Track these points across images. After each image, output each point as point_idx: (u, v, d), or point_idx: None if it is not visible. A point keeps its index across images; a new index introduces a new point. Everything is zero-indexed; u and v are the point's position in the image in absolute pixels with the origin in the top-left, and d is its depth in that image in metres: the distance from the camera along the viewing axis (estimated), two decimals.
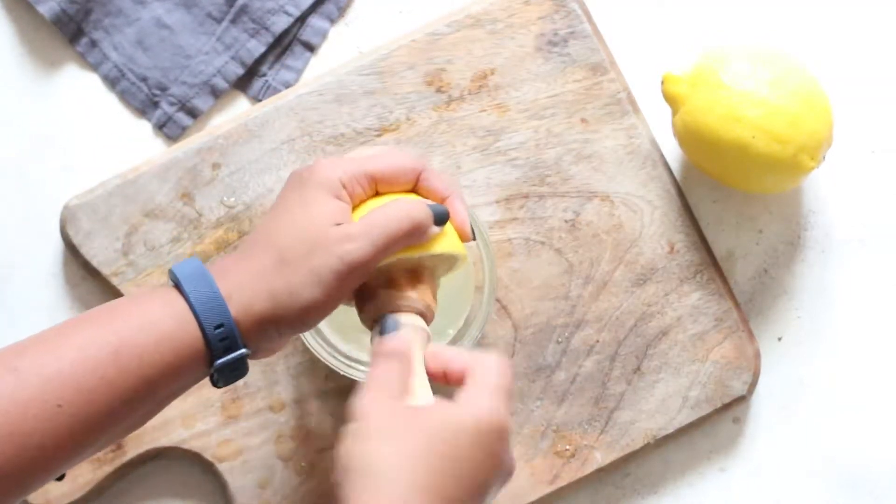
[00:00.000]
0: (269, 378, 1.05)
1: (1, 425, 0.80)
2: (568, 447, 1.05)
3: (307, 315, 0.87)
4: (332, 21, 1.10)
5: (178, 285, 0.87)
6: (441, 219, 0.91)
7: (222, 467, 1.04)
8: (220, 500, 1.06)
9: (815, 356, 1.09)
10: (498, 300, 1.06)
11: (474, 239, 0.95)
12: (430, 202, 0.92)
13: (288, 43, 1.10)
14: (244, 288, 0.87)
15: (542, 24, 1.08)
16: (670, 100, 1.05)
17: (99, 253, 1.05)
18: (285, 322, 0.87)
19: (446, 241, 0.92)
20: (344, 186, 0.90)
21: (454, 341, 1.01)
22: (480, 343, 1.05)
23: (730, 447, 1.09)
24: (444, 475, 0.81)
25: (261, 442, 1.05)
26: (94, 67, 1.09)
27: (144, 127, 1.09)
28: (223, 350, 0.86)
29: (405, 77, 1.07)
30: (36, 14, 1.08)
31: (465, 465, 0.82)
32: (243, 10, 1.09)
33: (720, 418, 1.08)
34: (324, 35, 1.10)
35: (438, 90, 1.07)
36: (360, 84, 1.07)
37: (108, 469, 1.04)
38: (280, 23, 1.09)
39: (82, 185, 1.06)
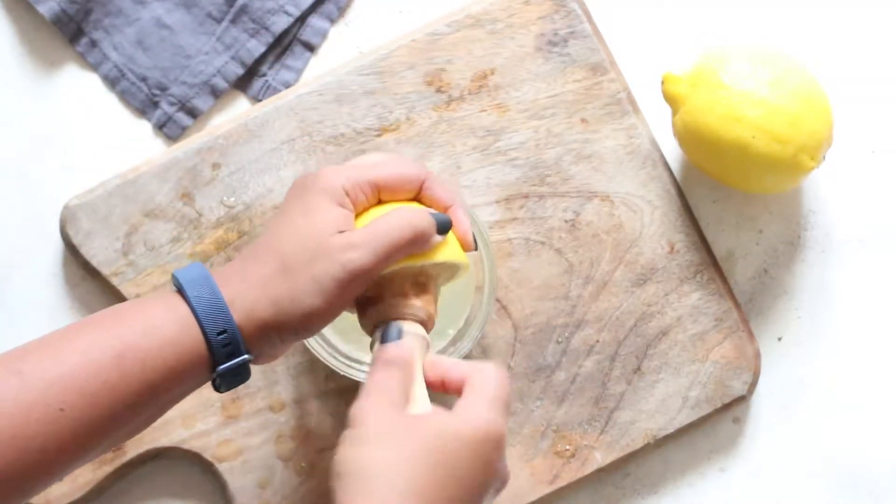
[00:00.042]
0: (269, 378, 1.05)
1: (4, 428, 0.80)
2: (568, 447, 1.05)
3: (309, 322, 0.87)
4: (332, 21, 1.10)
5: (180, 290, 0.87)
6: (444, 228, 0.91)
7: (222, 467, 1.04)
8: (220, 500, 1.06)
9: (815, 356, 1.09)
10: (498, 300, 1.06)
11: (476, 249, 0.95)
12: (432, 211, 0.92)
13: (288, 43, 1.10)
14: (246, 294, 0.87)
15: (542, 24, 1.08)
16: (670, 100, 1.05)
17: (99, 253, 1.05)
18: (287, 328, 0.87)
19: (448, 250, 0.92)
20: (347, 194, 0.90)
21: (454, 341, 1.01)
22: (480, 343, 1.05)
23: (730, 447, 1.09)
24: (439, 482, 0.81)
25: (261, 442, 1.05)
26: (94, 67, 1.09)
27: (144, 127, 1.09)
28: (226, 356, 0.86)
29: (405, 77, 1.07)
30: (36, 14, 1.08)
31: (461, 474, 0.82)
32: (243, 10, 1.09)
33: (720, 418, 1.08)
34: (324, 35, 1.10)
35: (438, 90, 1.07)
36: (360, 84, 1.07)
37: (108, 469, 1.04)
38: (280, 23, 1.09)
39: (82, 185, 1.06)
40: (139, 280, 1.05)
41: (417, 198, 0.93)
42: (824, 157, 1.03)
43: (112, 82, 1.09)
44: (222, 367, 0.86)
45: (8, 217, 1.08)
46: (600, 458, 1.06)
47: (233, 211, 1.06)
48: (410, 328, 0.90)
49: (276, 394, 1.05)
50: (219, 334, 0.85)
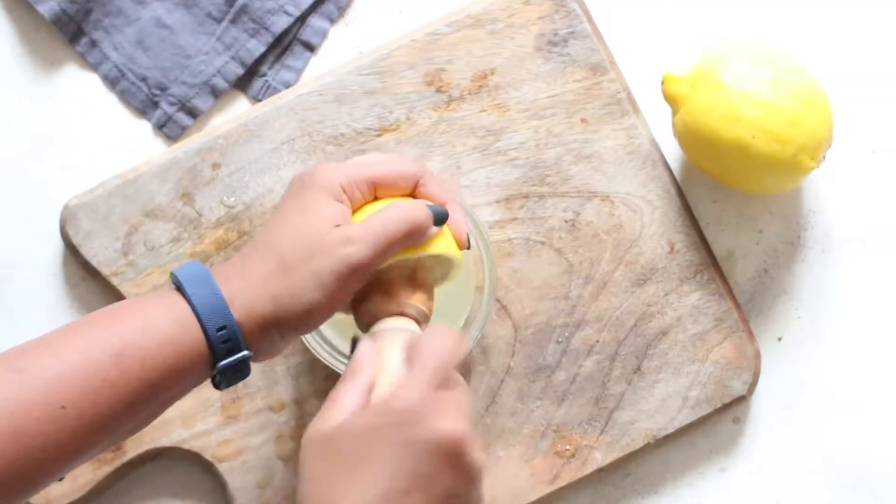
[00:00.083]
0: (269, 378, 1.05)
1: (5, 427, 0.80)
2: (568, 447, 1.05)
3: (309, 317, 0.87)
4: (332, 21, 1.10)
5: (180, 288, 0.87)
6: (440, 219, 0.92)
7: (222, 467, 1.04)
8: (220, 500, 1.06)
9: (815, 356, 1.09)
10: (498, 300, 1.06)
11: (469, 248, 0.95)
12: (429, 203, 0.92)
13: (288, 43, 1.10)
14: (246, 292, 0.87)
15: (542, 24, 1.08)
16: (670, 100, 1.05)
17: (99, 253, 1.05)
18: (287, 324, 0.87)
19: (443, 243, 0.92)
20: (344, 190, 0.90)
21: None
22: (480, 343, 1.05)
23: (730, 447, 1.09)
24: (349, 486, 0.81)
25: (261, 442, 1.05)
26: (94, 67, 1.09)
27: (144, 127, 1.09)
28: (225, 352, 0.86)
29: (405, 77, 1.07)
30: (36, 14, 1.08)
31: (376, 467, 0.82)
32: (243, 10, 1.09)
33: (720, 418, 1.08)
34: (324, 35, 1.10)
35: (438, 90, 1.07)
36: (360, 84, 1.07)
37: (108, 469, 1.04)
38: (280, 23, 1.09)
39: (82, 185, 1.06)
40: (139, 280, 1.05)
41: (413, 195, 0.94)
42: (824, 157, 1.03)
43: (112, 82, 1.09)
44: (222, 363, 0.86)
45: (8, 217, 1.08)
46: (600, 458, 1.06)
47: (233, 211, 1.06)
48: (398, 324, 0.89)
49: (275, 394, 1.05)
50: (218, 330, 0.86)
